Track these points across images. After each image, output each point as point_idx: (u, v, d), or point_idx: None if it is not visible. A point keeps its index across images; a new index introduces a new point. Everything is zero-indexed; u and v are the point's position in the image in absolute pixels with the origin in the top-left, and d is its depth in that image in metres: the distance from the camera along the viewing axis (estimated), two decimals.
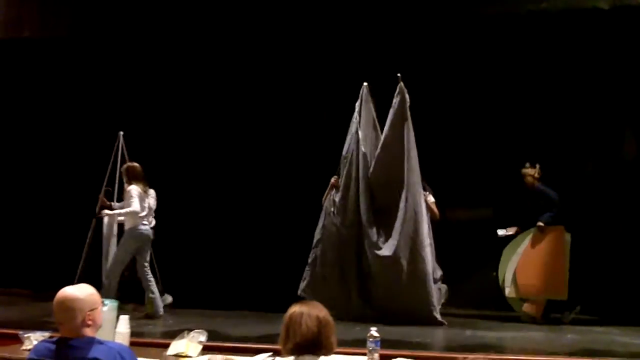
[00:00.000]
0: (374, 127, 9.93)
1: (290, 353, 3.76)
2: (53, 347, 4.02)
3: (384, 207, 9.61)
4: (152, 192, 9.81)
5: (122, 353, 4.02)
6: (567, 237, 9.92)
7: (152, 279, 9.60)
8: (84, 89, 12.44)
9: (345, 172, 9.77)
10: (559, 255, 9.87)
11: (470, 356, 2.03)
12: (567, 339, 8.08)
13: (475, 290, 10.96)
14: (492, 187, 11.14)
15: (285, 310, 3.92)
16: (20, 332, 5.54)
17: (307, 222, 10.14)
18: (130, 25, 11.39)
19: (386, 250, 9.36)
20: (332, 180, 9.90)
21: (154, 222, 9.95)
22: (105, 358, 3.91)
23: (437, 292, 9.46)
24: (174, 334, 5.68)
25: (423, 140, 9.93)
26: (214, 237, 11.48)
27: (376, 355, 5.03)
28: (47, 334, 5.23)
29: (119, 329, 5.42)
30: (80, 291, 4.06)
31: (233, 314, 9.79)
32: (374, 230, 9.55)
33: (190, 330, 5.60)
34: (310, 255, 9.84)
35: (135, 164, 9.81)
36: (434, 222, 9.69)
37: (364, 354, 5.08)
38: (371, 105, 9.87)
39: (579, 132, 11.01)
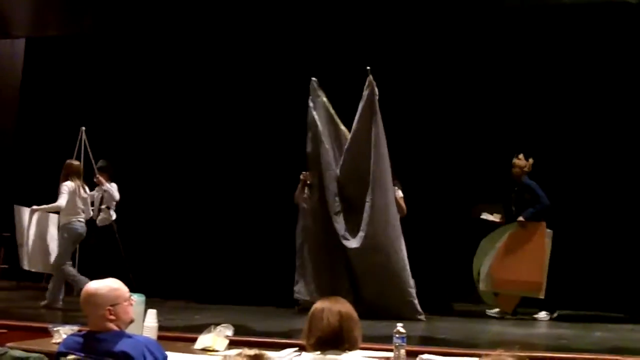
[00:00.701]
0: (331, 121, 9.91)
1: (314, 348, 3.76)
2: (81, 340, 4.05)
3: (354, 200, 9.60)
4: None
5: (150, 346, 4.04)
6: (549, 234, 9.73)
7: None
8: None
9: (310, 168, 9.87)
10: (538, 252, 9.68)
11: (494, 353, 2.01)
12: (595, 336, 8.03)
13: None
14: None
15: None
16: (50, 326, 5.57)
17: None
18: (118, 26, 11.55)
19: (354, 242, 9.38)
20: (301, 176, 9.96)
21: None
22: (132, 351, 3.94)
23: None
24: (201, 328, 5.69)
25: (442, 136, 10.05)
26: (233, 231, 11.54)
27: (402, 351, 5.01)
28: (75, 328, 5.26)
29: (147, 323, 5.45)
30: (101, 286, 4.09)
31: (258, 310, 9.83)
32: (343, 223, 9.56)
33: (217, 324, 5.62)
34: (297, 258, 9.89)
35: (73, 161, 10.05)
36: (401, 219, 9.64)
37: (390, 350, 5.08)
38: (324, 99, 9.87)
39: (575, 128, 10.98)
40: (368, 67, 9.40)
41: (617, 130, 10.85)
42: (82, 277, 9.58)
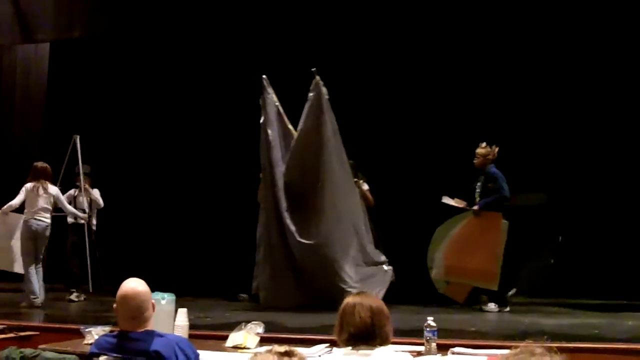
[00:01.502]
0: (280, 119, 10.01)
1: (346, 344, 3.76)
2: (113, 340, 4.08)
3: (300, 197, 9.73)
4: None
5: (181, 345, 4.06)
6: (505, 225, 9.56)
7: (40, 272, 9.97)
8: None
9: (262, 165, 9.99)
10: (493, 243, 9.53)
11: (522, 344, 2.01)
12: (627, 325, 7.97)
13: (532, 277, 10.88)
14: (546, 172, 11.05)
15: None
16: (82, 327, 5.61)
17: None
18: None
19: (303, 238, 9.53)
20: (261, 175, 10.12)
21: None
22: (165, 350, 3.96)
23: (383, 276, 9.75)
24: (231, 326, 5.70)
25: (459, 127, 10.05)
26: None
27: (433, 345, 5.01)
28: (107, 328, 5.29)
29: (178, 322, 5.47)
30: (139, 285, 4.13)
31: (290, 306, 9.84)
32: (292, 219, 9.67)
33: (248, 322, 5.63)
34: (257, 254, 10.06)
35: (38, 163, 10.19)
36: (370, 209, 10.00)
37: (421, 344, 5.07)
38: (273, 97, 9.95)
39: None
40: (314, 69, 9.53)
41: (619, 121, 10.77)
42: (33, 279, 9.85)
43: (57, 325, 7.67)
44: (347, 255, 9.53)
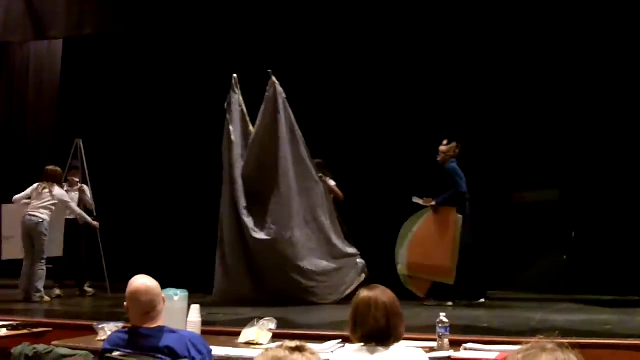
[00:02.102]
0: (242, 118, 10.22)
1: (359, 341, 3.75)
2: (126, 336, 4.10)
3: (257, 194, 9.95)
4: (57, 191, 10.29)
5: (194, 341, 4.08)
6: (458, 219, 9.66)
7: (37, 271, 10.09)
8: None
9: (224, 163, 10.17)
10: (448, 238, 9.68)
11: (534, 340, 2.00)
12: (639, 321, 7.95)
13: (544, 273, 10.86)
14: (559, 169, 11.02)
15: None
16: (95, 323, 5.63)
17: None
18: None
19: (260, 234, 9.73)
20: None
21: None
22: (177, 346, 3.97)
23: (354, 269, 9.97)
24: (244, 322, 5.72)
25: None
26: None
27: (446, 341, 5.02)
28: (120, 325, 5.32)
29: (191, 318, 5.48)
30: (150, 281, 4.16)
31: (303, 301, 9.86)
32: (250, 216, 9.87)
33: (260, 318, 5.64)
34: (218, 249, 10.19)
35: (49, 168, 10.45)
36: (339, 203, 10.33)
37: (434, 340, 5.08)
38: (239, 97, 10.16)
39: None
40: (269, 70, 9.79)
41: (632, 117, 10.73)
42: (24, 279, 10.10)
43: (70, 322, 7.70)
44: (304, 251, 9.76)
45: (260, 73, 10.04)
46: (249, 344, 5.27)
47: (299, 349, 2.53)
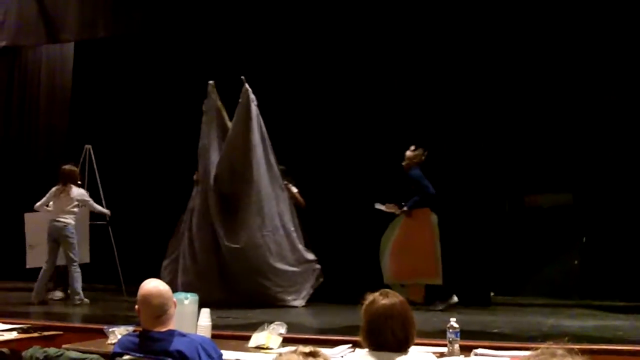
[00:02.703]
0: (222, 123, 10.35)
1: (372, 348, 3.70)
2: (136, 340, 4.10)
3: (228, 200, 10.12)
4: (75, 191, 10.32)
5: (204, 345, 4.08)
6: (434, 218, 9.75)
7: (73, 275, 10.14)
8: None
9: (199, 167, 10.35)
10: (427, 238, 9.73)
11: (543, 345, 1.99)
12: None
13: (556, 278, 10.83)
14: (571, 172, 10.99)
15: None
16: (105, 327, 5.63)
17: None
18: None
19: (231, 242, 9.89)
20: (194, 176, 10.45)
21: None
22: (187, 350, 3.97)
23: (313, 274, 10.13)
24: (254, 327, 5.71)
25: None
26: None
27: (456, 346, 5.00)
28: (131, 328, 5.32)
29: (201, 322, 5.48)
30: (161, 285, 4.17)
31: (311, 307, 9.86)
32: (222, 222, 10.03)
33: (270, 322, 5.63)
34: (184, 253, 10.26)
35: (66, 168, 10.44)
36: (301, 210, 10.39)
37: (444, 345, 5.06)
38: (217, 102, 10.29)
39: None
40: (242, 77, 9.92)
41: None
42: (41, 284, 10.16)
43: (81, 325, 7.73)
44: (272, 258, 9.89)
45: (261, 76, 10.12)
46: (259, 348, 5.27)
47: (313, 354, 2.53)
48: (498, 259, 10.60)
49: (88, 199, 10.54)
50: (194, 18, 11.55)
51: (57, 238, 10.16)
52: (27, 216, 11.06)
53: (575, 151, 10.94)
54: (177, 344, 4.00)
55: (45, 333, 6.54)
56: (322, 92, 11.75)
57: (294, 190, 10.55)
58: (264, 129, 10.11)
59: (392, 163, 10.42)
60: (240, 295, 9.67)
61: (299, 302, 9.89)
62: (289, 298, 9.88)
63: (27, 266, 11.00)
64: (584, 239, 10.96)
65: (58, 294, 10.69)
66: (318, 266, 10.22)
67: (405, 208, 9.84)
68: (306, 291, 10.06)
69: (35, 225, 10.78)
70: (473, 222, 10.40)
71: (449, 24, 10.96)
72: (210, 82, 10.27)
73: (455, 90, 11.01)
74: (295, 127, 11.61)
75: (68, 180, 10.31)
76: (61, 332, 6.77)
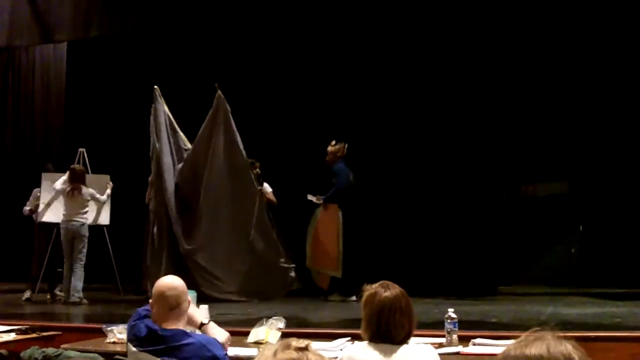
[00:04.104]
0: (171, 126, 10.43)
1: (373, 340, 3.70)
2: (146, 330, 4.09)
3: (187, 201, 10.28)
4: (85, 190, 10.43)
5: (210, 346, 4.05)
6: (339, 214, 10.19)
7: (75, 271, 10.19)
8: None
9: (152, 170, 10.41)
10: (331, 233, 10.22)
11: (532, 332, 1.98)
12: None
13: (553, 266, 10.85)
14: (568, 161, 11.00)
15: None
16: (104, 326, 5.63)
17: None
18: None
19: (186, 243, 10.07)
20: (149, 179, 10.53)
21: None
22: (193, 349, 3.97)
23: (282, 279, 10.19)
24: (253, 322, 5.71)
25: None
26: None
27: (455, 337, 5.01)
28: None
29: (200, 319, 5.48)
30: (179, 280, 4.19)
31: (310, 301, 9.88)
32: (180, 224, 10.18)
33: (269, 317, 5.63)
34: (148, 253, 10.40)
35: (77, 168, 10.58)
36: (274, 208, 10.59)
37: (442, 336, 5.07)
38: (164, 107, 10.37)
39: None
40: (216, 84, 10.02)
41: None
42: (67, 283, 10.21)
43: (80, 325, 7.72)
44: (222, 262, 10.06)
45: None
46: (258, 343, 5.26)
47: (303, 349, 2.51)
48: (499, 249, 10.61)
49: (98, 196, 10.64)
50: (188, 18, 11.53)
51: (73, 237, 10.23)
52: (44, 175, 11.08)
53: (571, 139, 10.94)
54: (183, 343, 3.99)
55: (44, 334, 6.53)
56: (314, 92, 11.79)
57: (269, 190, 10.64)
58: (234, 134, 10.13)
59: (391, 161, 10.50)
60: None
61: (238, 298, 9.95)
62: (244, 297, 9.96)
63: (40, 220, 10.89)
64: (581, 227, 10.97)
65: (27, 294, 10.70)
66: (293, 274, 10.24)
67: (321, 200, 10.30)
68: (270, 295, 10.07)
69: (50, 184, 10.75)
70: (471, 213, 10.39)
71: (443, 15, 10.95)
72: (156, 87, 10.35)
73: (449, 82, 11.00)
74: (267, 125, 11.76)
75: (79, 179, 10.39)
76: (60, 332, 6.76)
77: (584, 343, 2.09)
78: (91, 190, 10.55)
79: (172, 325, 4.07)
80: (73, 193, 10.29)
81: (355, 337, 4.49)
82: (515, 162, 11.14)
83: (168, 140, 10.34)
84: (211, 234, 10.11)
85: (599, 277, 10.23)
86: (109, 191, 10.87)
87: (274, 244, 10.27)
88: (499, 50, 10.86)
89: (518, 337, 2.02)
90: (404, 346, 3.68)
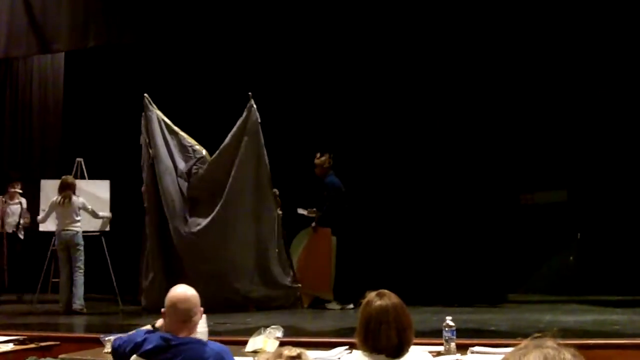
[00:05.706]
0: (169, 130, 10.39)
1: (369, 352, 3.68)
2: (161, 342, 4.06)
3: (200, 206, 10.17)
4: (75, 200, 10.47)
5: (223, 354, 4.05)
6: (333, 240, 10.11)
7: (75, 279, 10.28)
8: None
9: (145, 175, 10.37)
10: (325, 258, 10.14)
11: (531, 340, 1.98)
12: None
13: (552, 274, 10.84)
14: (567, 170, 11.00)
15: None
16: (102, 336, 5.62)
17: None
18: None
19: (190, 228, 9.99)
20: (142, 188, 10.47)
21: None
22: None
23: (284, 298, 10.08)
24: (251, 331, 5.71)
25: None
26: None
27: (453, 345, 5.01)
28: None
29: (198, 328, 5.46)
30: (192, 290, 4.17)
31: (308, 310, 9.87)
32: (190, 224, 10.07)
33: (267, 326, 5.63)
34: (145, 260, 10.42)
35: (69, 179, 10.64)
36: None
37: (441, 344, 5.06)
38: (156, 113, 10.32)
39: None
40: (250, 93, 9.91)
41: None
42: (63, 292, 10.35)
43: (78, 335, 7.72)
44: (237, 271, 9.96)
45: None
46: (256, 352, 5.26)
47: (298, 357, 2.51)
48: (503, 257, 10.61)
49: (89, 206, 10.63)
50: (186, 28, 11.52)
51: (68, 246, 10.31)
52: (43, 182, 11.19)
53: (569, 148, 10.94)
54: (197, 353, 3.97)
55: (42, 344, 6.52)
56: (319, 91, 11.82)
57: (275, 192, 10.43)
58: (261, 147, 10.01)
59: (392, 164, 10.49)
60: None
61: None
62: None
63: (40, 229, 11.06)
64: (579, 235, 10.97)
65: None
66: (298, 294, 10.17)
67: (313, 224, 10.28)
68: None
69: (49, 192, 10.86)
70: (470, 222, 10.38)
71: (445, 22, 10.98)
72: (145, 94, 10.31)
73: (449, 90, 11.03)
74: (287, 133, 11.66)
75: (69, 189, 10.42)
76: (58, 343, 6.76)
77: (584, 351, 2.08)
78: (82, 200, 10.58)
79: (185, 334, 4.06)
80: (63, 202, 10.33)
81: (353, 346, 4.49)
82: (514, 171, 11.13)
83: (165, 144, 10.27)
84: (224, 247, 9.92)
85: (598, 285, 10.22)
86: (106, 215, 10.93)
87: (285, 262, 10.19)
88: (499, 60, 10.89)
89: (516, 345, 2.01)
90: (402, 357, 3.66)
